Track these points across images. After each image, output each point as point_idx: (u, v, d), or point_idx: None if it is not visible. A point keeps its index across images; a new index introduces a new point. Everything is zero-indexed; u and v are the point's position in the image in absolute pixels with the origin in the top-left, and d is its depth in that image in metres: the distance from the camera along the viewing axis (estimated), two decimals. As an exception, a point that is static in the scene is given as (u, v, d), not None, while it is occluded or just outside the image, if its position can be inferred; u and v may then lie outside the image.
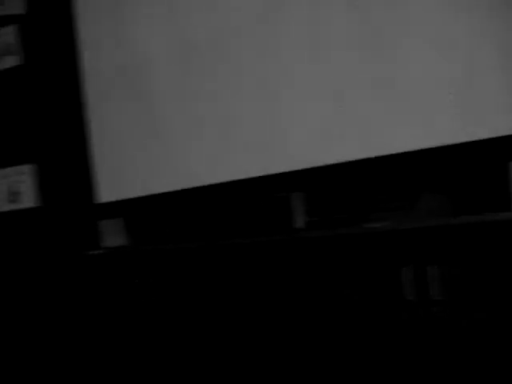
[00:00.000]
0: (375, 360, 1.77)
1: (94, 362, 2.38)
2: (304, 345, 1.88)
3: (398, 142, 1.79)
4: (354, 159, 1.84)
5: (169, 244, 2.25)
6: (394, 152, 1.78)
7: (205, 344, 2.10)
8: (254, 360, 1.99)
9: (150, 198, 2.22)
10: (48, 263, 2.54)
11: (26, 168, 2.60)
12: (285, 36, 1.94)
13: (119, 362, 2.32)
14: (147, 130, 2.24)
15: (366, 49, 1.81)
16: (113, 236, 2.47)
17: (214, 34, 2.07)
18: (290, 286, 1.94)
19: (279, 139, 1.99)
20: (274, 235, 2.07)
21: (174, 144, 2.18)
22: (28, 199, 2.61)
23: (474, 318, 1.62)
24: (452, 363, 1.65)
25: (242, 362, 2.01)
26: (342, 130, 1.88)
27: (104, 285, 2.38)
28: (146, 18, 2.22)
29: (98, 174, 2.37)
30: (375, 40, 1.79)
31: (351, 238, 1.86)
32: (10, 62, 2.63)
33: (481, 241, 1.63)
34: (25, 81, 2.61)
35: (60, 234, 2.53)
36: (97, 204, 2.39)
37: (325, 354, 1.85)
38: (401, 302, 1.73)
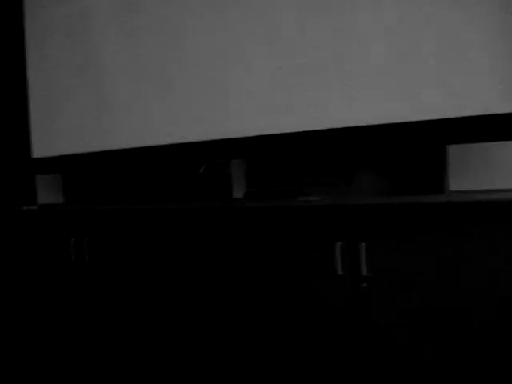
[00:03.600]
0: (302, 328, 1.77)
1: (23, 320, 2.33)
2: (233, 311, 1.87)
3: (340, 117, 1.77)
4: (294, 131, 1.81)
5: (104, 205, 2.19)
6: (333, 127, 1.76)
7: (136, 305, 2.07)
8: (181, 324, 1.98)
9: (86, 155, 2.16)
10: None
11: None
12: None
13: (50, 322, 2.28)
14: (87, 84, 2.17)
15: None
16: (49, 193, 2.41)
17: None
18: (223, 255, 1.92)
19: (222, 106, 1.95)
20: (212, 203, 2.04)
21: (114, 102, 2.11)
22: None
23: (395, 296, 1.63)
24: (374, 339, 1.66)
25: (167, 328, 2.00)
26: (286, 100, 1.84)
27: (37, 241, 2.32)
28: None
29: (36, 129, 2.29)
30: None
31: (287, 209, 1.84)
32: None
33: (411, 221, 1.63)
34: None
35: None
36: (32, 159, 2.31)
37: (251, 321, 1.85)
38: (332, 276, 1.73)
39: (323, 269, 1.72)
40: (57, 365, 2.22)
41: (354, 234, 1.68)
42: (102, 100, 2.14)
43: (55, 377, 2.23)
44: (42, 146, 2.29)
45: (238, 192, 2.17)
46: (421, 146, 1.77)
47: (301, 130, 1.80)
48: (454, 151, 1.82)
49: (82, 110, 2.19)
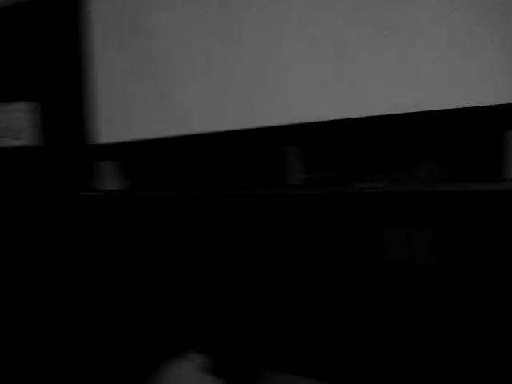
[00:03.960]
0: (356, 314, 1.80)
1: (88, 305, 2.42)
2: (291, 297, 1.91)
3: (399, 103, 1.78)
4: (352, 117, 1.84)
5: (164, 190, 2.26)
6: (393, 112, 1.78)
7: (199, 289, 2.13)
8: (249, 307, 2.03)
9: (147, 142, 2.22)
10: (44, 201, 2.56)
11: (28, 105, 2.60)
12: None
13: (113, 306, 2.36)
14: (149, 72, 2.23)
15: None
16: (111, 179, 2.48)
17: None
18: (278, 239, 1.96)
19: (278, 91, 1.98)
20: (267, 189, 2.08)
21: (175, 88, 2.17)
22: (29, 136, 2.62)
23: (461, 283, 1.64)
24: (436, 328, 1.68)
25: (238, 308, 2.05)
26: (342, 86, 1.87)
27: (97, 227, 2.41)
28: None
29: (99, 116, 2.37)
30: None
31: (341, 196, 1.87)
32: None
33: (470, 209, 1.64)
34: (32, 18, 2.59)
35: (58, 174, 2.55)
36: (94, 145, 2.39)
37: (309, 308, 1.89)
38: (381, 262, 1.75)
39: (380, 257, 1.74)
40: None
41: (414, 222, 1.69)
42: (163, 88, 2.21)
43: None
44: (105, 133, 2.37)
45: (294, 178, 2.20)
46: (478, 132, 1.77)
47: (359, 115, 1.83)
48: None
49: (143, 99, 2.26)
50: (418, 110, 1.74)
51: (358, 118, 1.83)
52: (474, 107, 1.67)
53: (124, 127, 2.31)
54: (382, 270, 1.76)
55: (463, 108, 1.68)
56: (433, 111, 1.72)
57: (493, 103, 1.63)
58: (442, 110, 1.71)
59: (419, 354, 1.69)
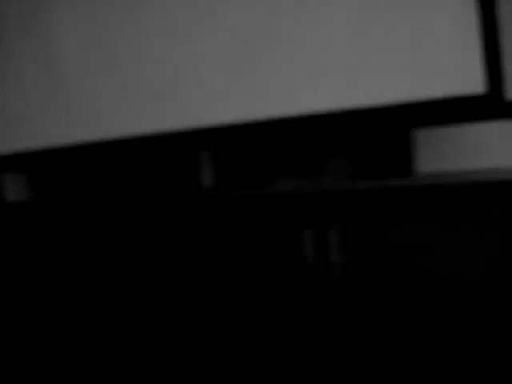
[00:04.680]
0: (273, 317, 1.78)
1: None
2: (206, 303, 1.87)
3: (309, 103, 1.77)
4: (259, 120, 1.81)
5: (69, 200, 2.15)
6: (301, 114, 1.76)
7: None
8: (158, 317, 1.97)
9: (48, 151, 2.11)
10: None
11: None
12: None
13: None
14: (48, 75, 2.11)
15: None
16: (15, 190, 2.36)
17: None
18: (192, 243, 1.91)
19: (181, 95, 1.93)
20: (180, 193, 2.03)
21: (76, 92, 2.07)
22: None
23: (371, 281, 1.65)
24: (351, 326, 1.68)
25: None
26: (248, 88, 1.83)
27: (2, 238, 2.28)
28: None
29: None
30: None
31: (253, 199, 1.84)
32: None
33: (381, 206, 1.65)
34: None
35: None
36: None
37: (225, 313, 1.85)
38: (301, 263, 1.74)
39: (293, 258, 1.73)
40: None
41: (322, 220, 1.69)
42: (64, 92, 2.10)
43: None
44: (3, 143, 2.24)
45: (205, 181, 2.16)
46: (385, 130, 1.79)
47: (266, 117, 1.80)
48: (425, 133, 1.85)
49: (43, 105, 2.15)
50: (326, 111, 1.73)
51: (263, 122, 1.80)
52: (381, 107, 1.68)
53: (23, 134, 2.18)
54: (296, 271, 1.76)
55: (370, 108, 1.69)
56: (340, 112, 1.72)
57: (394, 101, 1.65)
58: (349, 111, 1.71)
59: (338, 354, 1.70)
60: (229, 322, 1.80)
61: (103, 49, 2.01)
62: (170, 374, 1.89)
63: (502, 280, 1.46)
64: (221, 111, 1.86)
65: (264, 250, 1.75)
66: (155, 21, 1.93)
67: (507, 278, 1.46)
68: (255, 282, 1.77)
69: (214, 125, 1.88)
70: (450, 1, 1.60)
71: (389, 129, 1.77)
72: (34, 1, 2.12)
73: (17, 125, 2.19)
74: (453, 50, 1.63)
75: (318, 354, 1.69)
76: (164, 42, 1.92)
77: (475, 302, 1.50)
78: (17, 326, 2.20)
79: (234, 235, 1.79)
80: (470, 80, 1.63)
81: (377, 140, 1.84)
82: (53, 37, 2.10)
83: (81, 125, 2.07)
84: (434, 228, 1.52)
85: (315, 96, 1.76)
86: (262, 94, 1.80)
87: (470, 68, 1.62)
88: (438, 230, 1.52)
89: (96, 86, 2.03)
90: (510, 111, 1.63)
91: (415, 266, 1.56)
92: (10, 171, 2.30)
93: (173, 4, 1.90)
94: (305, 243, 1.71)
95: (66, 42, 2.07)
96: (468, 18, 1.59)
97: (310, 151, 1.90)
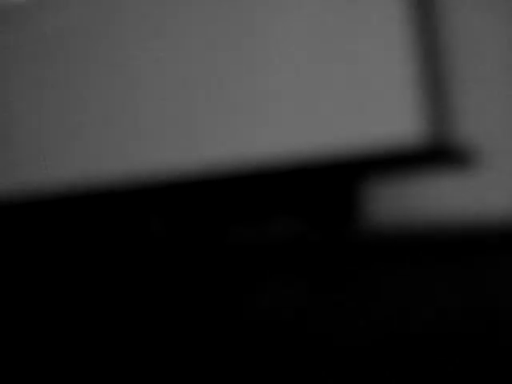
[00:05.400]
0: None
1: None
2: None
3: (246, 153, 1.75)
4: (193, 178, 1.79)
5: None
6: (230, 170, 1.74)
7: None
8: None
9: None
10: None
11: None
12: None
13: None
14: None
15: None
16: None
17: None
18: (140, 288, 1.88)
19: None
20: (130, 241, 1.99)
21: (20, 130, 2.06)
22: None
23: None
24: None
25: None
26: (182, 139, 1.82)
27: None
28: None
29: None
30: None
31: (203, 251, 1.81)
32: None
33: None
34: None
35: None
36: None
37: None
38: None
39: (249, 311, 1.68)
40: None
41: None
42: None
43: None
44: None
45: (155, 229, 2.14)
46: (326, 183, 1.75)
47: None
48: (372, 183, 1.81)
49: None
50: (260, 164, 1.71)
51: (200, 181, 1.77)
52: (313, 162, 1.64)
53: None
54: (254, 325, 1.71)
55: (300, 165, 1.65)
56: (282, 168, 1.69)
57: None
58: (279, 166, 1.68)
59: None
60: None
61: None
62: None
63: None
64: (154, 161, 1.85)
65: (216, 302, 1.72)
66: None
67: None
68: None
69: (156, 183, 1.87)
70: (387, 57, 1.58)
71: (328, 182, 1.74)
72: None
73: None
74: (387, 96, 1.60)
75: None
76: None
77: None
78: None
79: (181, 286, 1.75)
80: (405, 126, 1.58)
81: (321, 193, 1.81)
82: None
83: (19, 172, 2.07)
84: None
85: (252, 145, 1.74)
86: (194, 144, 1.78)
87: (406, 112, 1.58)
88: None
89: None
90: (453, 156, 1.58)
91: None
92: None
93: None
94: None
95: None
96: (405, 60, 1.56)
97: (254, 208, 1.87)
